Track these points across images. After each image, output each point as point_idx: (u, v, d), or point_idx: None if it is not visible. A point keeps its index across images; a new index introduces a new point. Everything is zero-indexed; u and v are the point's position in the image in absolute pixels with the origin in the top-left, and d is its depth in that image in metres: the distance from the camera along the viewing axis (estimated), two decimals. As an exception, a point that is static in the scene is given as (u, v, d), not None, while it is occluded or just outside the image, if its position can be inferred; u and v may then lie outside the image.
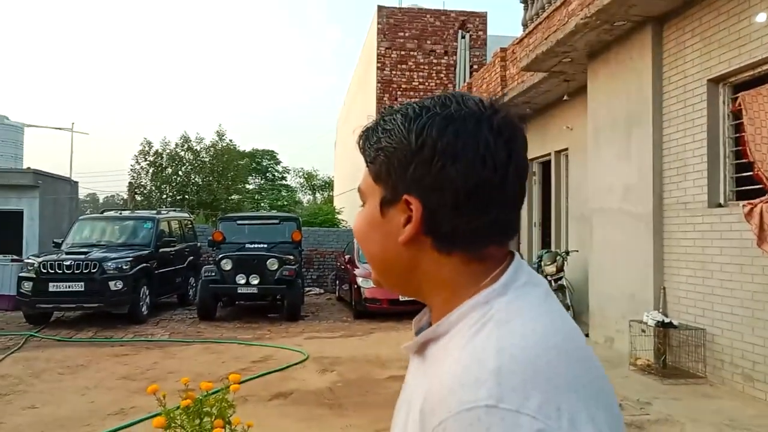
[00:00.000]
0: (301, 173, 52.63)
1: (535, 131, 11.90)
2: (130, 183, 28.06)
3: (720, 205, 5.99)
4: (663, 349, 6.26)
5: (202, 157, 29.87)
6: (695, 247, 6.19)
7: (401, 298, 10.35)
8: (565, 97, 9.88)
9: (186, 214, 14.81)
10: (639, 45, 7.06)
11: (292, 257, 10.92)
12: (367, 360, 7.24)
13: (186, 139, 29.63)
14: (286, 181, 51.05)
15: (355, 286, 10.77)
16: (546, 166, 11.71)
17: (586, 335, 8.23)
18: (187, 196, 28.89)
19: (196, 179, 29.56)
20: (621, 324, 7.09)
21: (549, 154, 11.30)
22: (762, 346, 5.27)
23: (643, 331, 6.42)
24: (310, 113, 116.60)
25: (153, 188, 29.11)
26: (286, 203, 29.56)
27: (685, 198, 6.37)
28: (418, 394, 0.70)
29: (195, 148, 29.67)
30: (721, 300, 5.77)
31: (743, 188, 5.77)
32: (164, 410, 3.01)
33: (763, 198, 5.09)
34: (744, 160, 5.58)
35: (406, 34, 17.34)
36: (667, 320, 6.25)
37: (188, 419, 2.99)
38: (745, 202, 5.28)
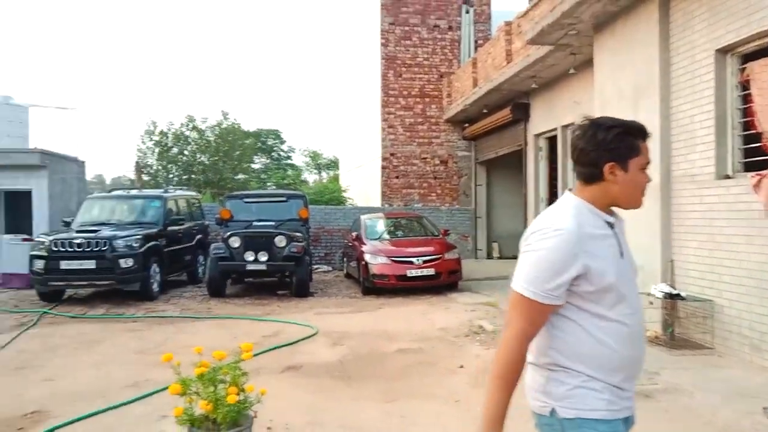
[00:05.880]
0: (306, 152, 52.51)
1: (541, 106, 11.83)
2: (136, 163, 28.08)
3: (728, 177, 5.98)
4: (671, 321, 6.32)
5: (207, 136, 29.86)
6: (703, 219, 6.20)
7: (408, 274, 10.43)
8: (572, 71, 9.80)
9: (193, 193, 14.86)
10: (645, 16, 6.98)
11: (299, 234, 10.97)
12: (376, 334, 7.33)
13: (191, 119, 29.58)
14: (291, 160, 51.01)
15: (363, 263, 10.83)
16: (552, 141, 11.66)
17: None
18: (193, 176, 28.92)
19: (202, 159, 29.59)
20: (627, 296, 7.12)
21: (555, 129, 11.25)
22: (768, 316, 5.31)
23: (651, 303, 6.46)
24: (313, 92, 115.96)
25: (159, 168, 29.13)
26: (292, 182, 29.52)
27: (693, 170, 6.36)
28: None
29: (200, 127, 29.64)
30: (729, 271, 5.79)
31: (751, 159, 5.75)
32: (180, 378, 3.09)
33: (771, 169, 5.09)
34: (752, 131, 5.55)
35: (410, 9, 17.13)
36: (675, 292, 6.29)
37: (203, 386, 3.07)
38: (754, 173, 5.28)
